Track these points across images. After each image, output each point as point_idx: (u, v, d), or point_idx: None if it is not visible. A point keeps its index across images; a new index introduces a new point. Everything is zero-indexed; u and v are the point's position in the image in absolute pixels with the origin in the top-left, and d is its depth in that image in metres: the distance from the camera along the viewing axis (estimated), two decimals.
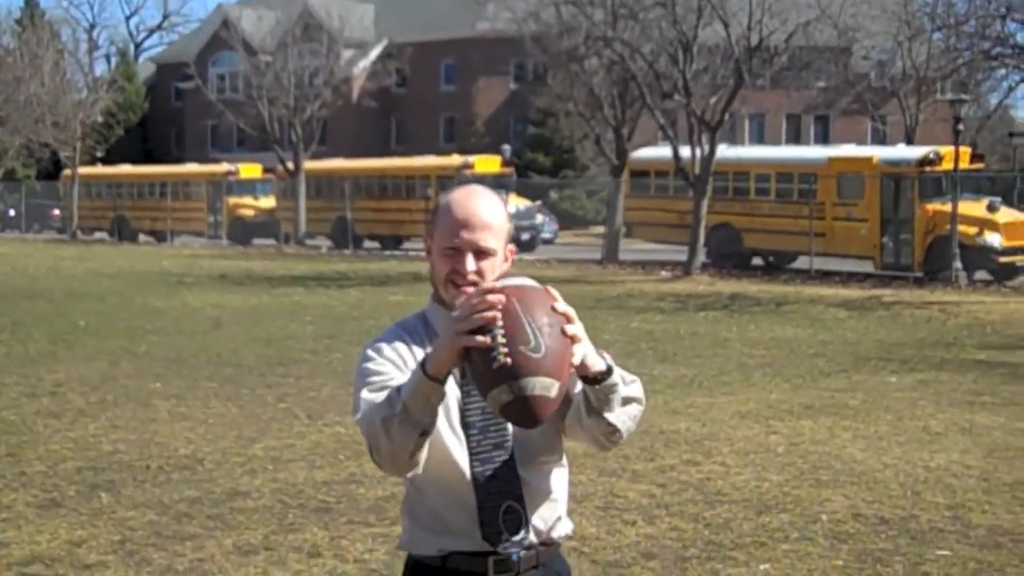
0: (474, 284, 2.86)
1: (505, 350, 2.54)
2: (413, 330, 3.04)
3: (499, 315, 2.57)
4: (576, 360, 2.70)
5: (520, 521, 2.95)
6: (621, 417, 2.89)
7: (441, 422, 2.85)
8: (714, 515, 7.57)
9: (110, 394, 12.04)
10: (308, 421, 10.61)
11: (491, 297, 2.62)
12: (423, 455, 2.80)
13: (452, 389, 2.91)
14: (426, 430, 2.74)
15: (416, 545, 3.04)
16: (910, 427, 10.40)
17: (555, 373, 2.58)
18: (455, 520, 2.95)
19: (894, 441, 9.79)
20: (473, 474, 2.93)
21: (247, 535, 7.16)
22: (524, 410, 2.57)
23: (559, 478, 3.08)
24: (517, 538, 2.95)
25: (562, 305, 2.68)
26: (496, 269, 2.95)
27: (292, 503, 7.86)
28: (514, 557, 2.95)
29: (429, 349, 2.79)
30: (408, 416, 2.71)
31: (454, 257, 2.92)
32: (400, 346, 2.99)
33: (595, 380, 2.81)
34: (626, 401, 2.89)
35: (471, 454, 2.93)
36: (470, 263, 2.91)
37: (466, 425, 2.94)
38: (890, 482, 8.39)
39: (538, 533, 3.00)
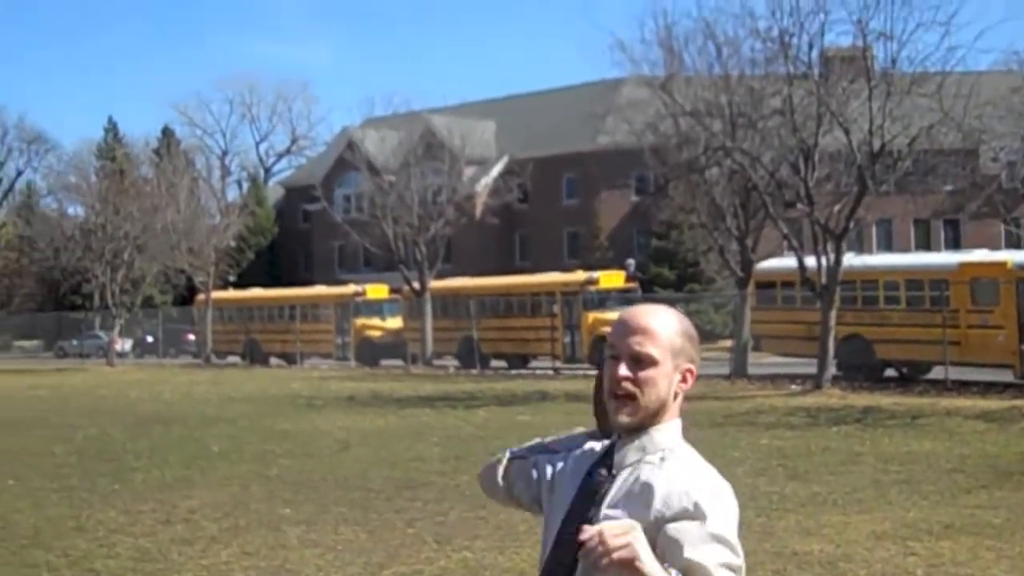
0: (628, 394, 2.79)
1: None
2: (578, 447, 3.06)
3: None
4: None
5: None
6: None
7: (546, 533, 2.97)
8: None
9: (242, 519, 12.19)
10: (436, 546, 10.58)
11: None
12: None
13: (560, 508, 2.92)
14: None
15: None
16: None
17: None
18: None
19: None
20: None
21: None
22: None
23: None
24: None
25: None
26: (661, 383, 2.80)
27: None
28: None
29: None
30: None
31: (613, 365, 2.82)
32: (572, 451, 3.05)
33: None
34: None
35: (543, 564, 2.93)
36: (622, 369, 2.79)
37: (556, 543, 2.88)
38: None
39: None
